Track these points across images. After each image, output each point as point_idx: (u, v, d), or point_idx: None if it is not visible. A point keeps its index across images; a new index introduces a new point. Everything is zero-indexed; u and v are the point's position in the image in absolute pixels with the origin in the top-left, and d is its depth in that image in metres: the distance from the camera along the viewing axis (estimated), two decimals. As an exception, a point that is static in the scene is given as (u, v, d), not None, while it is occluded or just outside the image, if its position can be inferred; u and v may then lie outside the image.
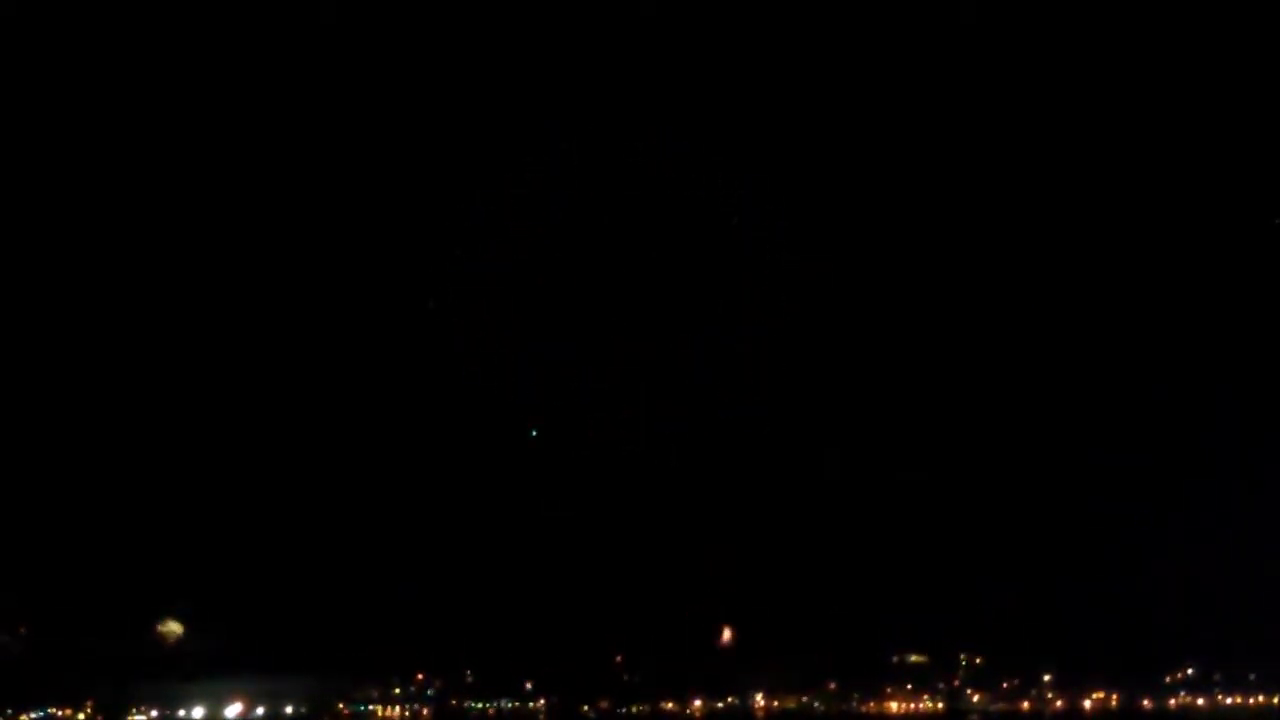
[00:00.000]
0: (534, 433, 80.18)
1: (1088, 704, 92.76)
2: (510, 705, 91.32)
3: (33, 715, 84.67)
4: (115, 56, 72.05)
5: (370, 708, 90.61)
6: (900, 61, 74.57)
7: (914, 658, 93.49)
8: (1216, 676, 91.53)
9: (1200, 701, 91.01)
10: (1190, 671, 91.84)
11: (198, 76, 73.74)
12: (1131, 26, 71.50)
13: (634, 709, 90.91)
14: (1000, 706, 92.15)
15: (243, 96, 75.08)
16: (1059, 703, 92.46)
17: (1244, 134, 74.89)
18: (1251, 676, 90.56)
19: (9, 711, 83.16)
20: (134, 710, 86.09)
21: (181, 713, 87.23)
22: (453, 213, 76.71)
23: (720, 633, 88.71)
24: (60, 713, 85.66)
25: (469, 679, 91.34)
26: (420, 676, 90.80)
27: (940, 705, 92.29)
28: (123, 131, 75.58)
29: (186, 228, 77.83)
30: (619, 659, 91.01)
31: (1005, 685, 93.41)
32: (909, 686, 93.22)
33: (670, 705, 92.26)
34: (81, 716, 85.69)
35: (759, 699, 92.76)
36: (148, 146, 76.06)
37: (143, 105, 74.90)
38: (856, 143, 78.58)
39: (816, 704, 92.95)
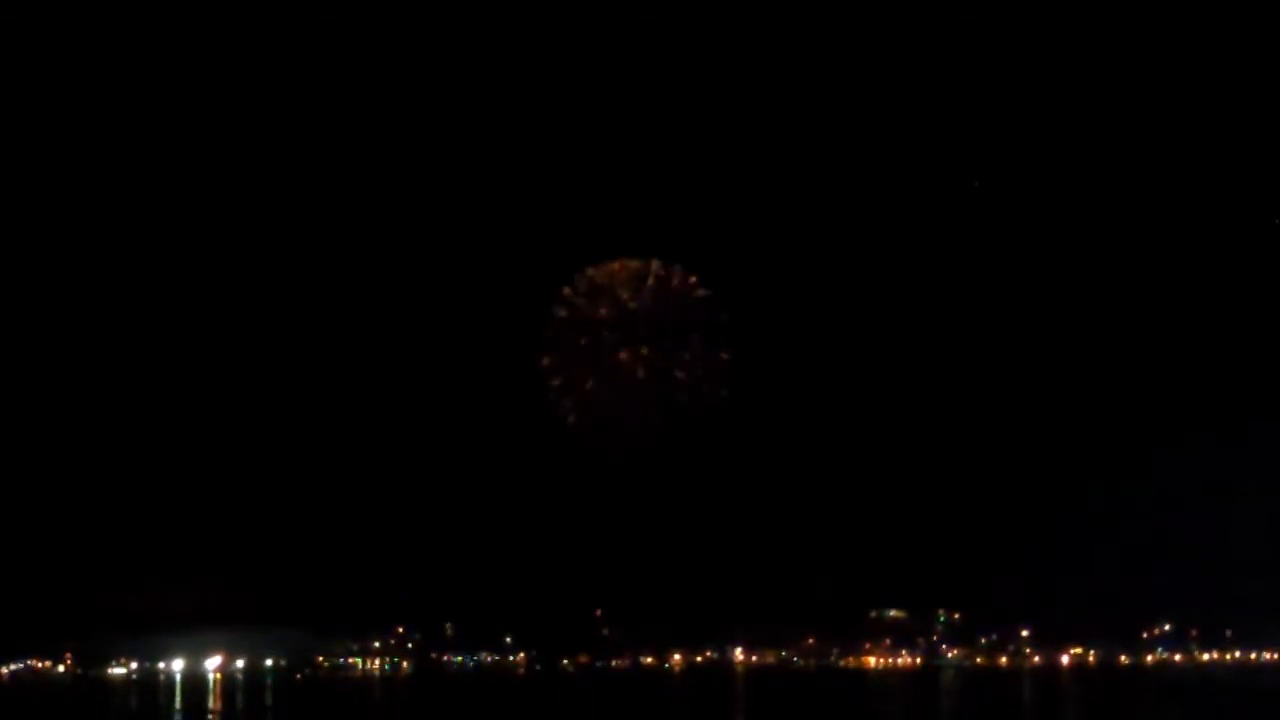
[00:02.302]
0: None
1: (1065, 660, 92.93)
2: (490, 659, 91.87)
3: (11, 667, 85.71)
4: (115, 56, 71.82)
5: (349, 660, 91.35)
6: (901, 61, 73.60)
7: (892, 613, 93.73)
8: (1193, 633, 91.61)
9: (1177, 658, 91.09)
10: (1167, 628, 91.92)
11: (197, 77, 73.51)
12: (1132, 27, 70.31)
13: (613, 663, 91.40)
14: (978, 661, 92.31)
15: (242, 96, 74.86)
16: (1036, 658, 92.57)
17: (1244, 134, 73.81)
18: (1228, 633, 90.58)
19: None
20: (113, 662, 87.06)
21: (161, 665, 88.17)
22: (453, 212, 77.37)
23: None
24: (39, 664, 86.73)
25: (449, 632, 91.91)
26: (400, 629, 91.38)
27: (918, 660, 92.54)
28: (122, 131, 75.56)
29: (186, 227, 78.25)
30: (598, 613, 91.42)
31: (983, 641, 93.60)
32: (887, 642, 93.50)
33: (649, 659, 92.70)
34: (61, 668, 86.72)
35: (738, 653, 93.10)
36: (147, 146, 76.02)
37: (142, 105, 74.75)
38: (856, 142, 77.92)
39: (795, 659, 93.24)
